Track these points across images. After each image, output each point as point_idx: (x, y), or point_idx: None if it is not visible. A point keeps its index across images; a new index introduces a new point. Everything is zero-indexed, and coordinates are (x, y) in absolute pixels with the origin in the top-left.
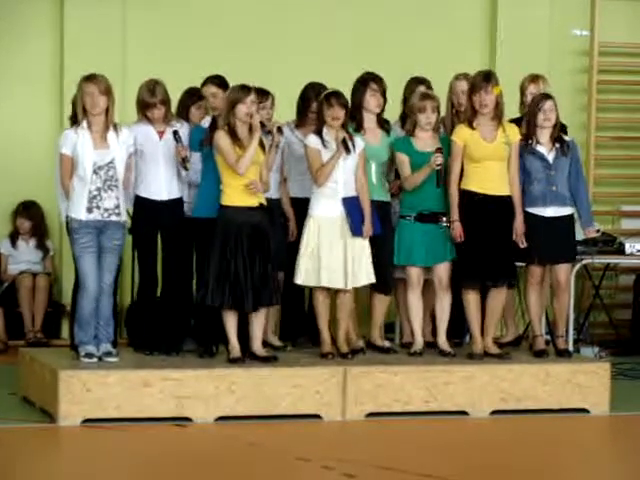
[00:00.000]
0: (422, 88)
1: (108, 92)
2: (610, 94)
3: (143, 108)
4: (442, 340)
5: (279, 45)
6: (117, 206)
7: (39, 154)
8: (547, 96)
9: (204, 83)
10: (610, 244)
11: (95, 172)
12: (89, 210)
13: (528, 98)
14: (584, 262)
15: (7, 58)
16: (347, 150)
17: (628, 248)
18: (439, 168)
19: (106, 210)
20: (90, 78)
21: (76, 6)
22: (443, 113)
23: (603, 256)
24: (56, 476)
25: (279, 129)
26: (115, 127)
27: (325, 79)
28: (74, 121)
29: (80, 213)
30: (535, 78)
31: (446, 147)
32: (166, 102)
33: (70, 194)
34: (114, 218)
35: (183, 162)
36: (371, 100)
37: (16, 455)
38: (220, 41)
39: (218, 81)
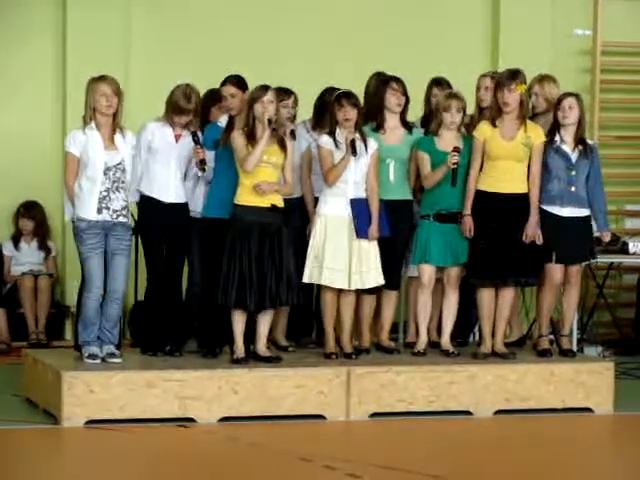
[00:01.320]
0: (436, 89)
1: (120, 93)
2: (613, 93)
3: (175, 112)
4: (445, 340)
5: (282, 47)
6: (124, 207)
7: (41, 155)
8: (569, 94)
9: (223, 83)
10: (614, 243)
11: (105, 173)
12: (99, 211)
13: (533, 99)
14: (587, 262)
15: (10, 60)
16: (354, 152)
17: (632, 247)
18: (455, 167)
19: (115, 211)
20: (103, 78)
21: (79, 8)
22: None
23: (607, 255)
24: (60, 477)
25: (292, 133)
26: (121, 129)
27: (326, 79)
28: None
29: (90, 213)
30: (541, 79)
31: (468, 147)
32: (197, 111)
33: (78, 194)
34: (122, 219)
35: (201, 164)
36: (392, 99)
37: (20, 456)
38: (223, 43)
39: (237, 81)
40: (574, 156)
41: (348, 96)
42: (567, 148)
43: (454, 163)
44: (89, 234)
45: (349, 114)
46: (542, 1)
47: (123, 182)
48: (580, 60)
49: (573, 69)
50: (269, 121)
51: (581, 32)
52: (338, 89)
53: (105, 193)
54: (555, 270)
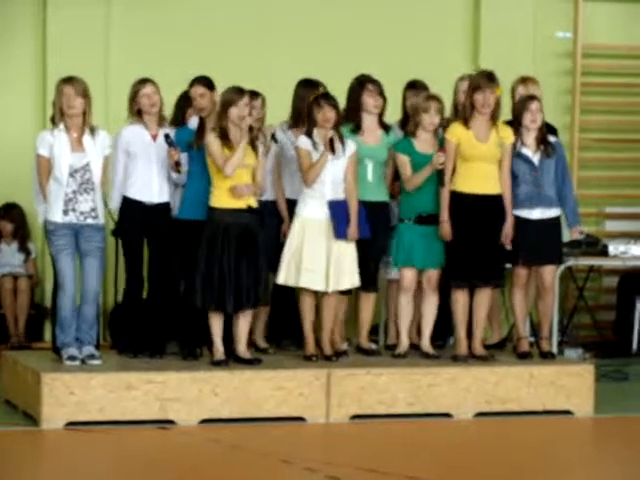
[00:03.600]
0: (411, 92)
1: (85, 94)
2: (594, 96)
3: (136, 95)
4: (426, 342)
5: (264, 45)
6: (93, 209)
7: (20, 156)
8: (533, 97)
9: (191, 84)
10: (594, 246)
11: (71, 175)
12: (65, 212)
13: (516, 100)
14: (568, 264)
15: None
16: (332, 150)
17: (612, 250)
18: (442, 167)
19: (82, 213)
20: (67, 80)
21: (59, 8)
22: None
23: (587, 258)
24: (39, 479)
25: (273, 136)
26: (92, 130)
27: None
28: (54, 122)
29: (56, 215)
30: (524, 80)
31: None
32: (160, 101)
33: (47, 196)
34: (90, 221)
35: (176, 165)
36: (369, 101)
37: None
38: (204, 43)
39: (206, 82)
40: (536, 158)
41: (327, 97)
42: (528, 151)
43: (441, 164)
44: (57, 235)
45: (328, 115)
46: (523, 4)
47: (93, 183)
48: (561, 63)
49: (554, 72)
50: (250, 128)
51: (562, 35)
52: (312, 81)
53: (72, 195)
54: (521, 272)
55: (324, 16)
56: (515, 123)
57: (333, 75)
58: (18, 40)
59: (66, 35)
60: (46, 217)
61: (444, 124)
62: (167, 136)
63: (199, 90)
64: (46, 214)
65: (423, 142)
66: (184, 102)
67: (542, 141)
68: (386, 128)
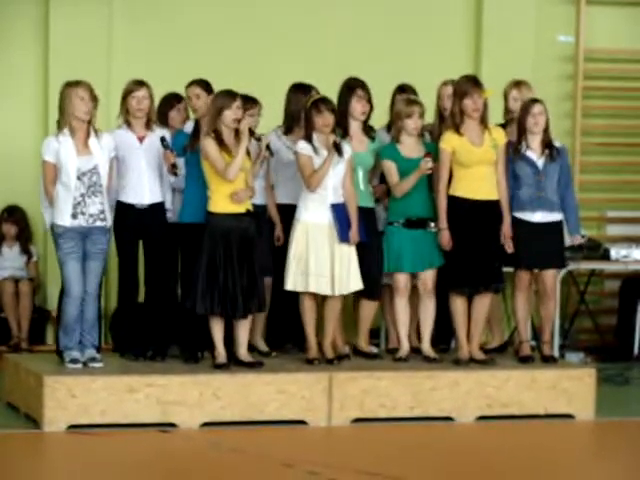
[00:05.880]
0: (404, 95)
1: (94, 97)
2: (595, 100)
3: (127, 95)
4: (426, 346)
5: (265, 56)
6: (102, 211)
7: (23, 160)
8: (536, 100)
9: (189, 85)
10: (595, 250)
11: (79, 178)
12: (74, 216)
13: (510, 103)
14: (569, 268)
15: None
16: (339, 153)
17: (613, 254)
18: (430, 172)
19: (91, 216)
20: (79, 84)
21: (61, 17)
22: (430, 120)
23: (588, 262)
24: None
25: (268, 147)
26: (96, 132)
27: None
28: (60, 126)
29: (65, 219)
30: (517, 84)
31: (432, 152)
32: (152, 101)
33: (54, 200)
34: (99, 224)
35: (172, 168)
36: (357, 106)
37: (0, 461)
38: (205, 51)
39: (203, 84)
40: (541, 162)
41: (326, 102)
42: (533, 154)
43: (429, 169)
44: (65, 239)
45: (328, 120)
46: (525, 8)
47: (100, 186)
48: (563, 67)
49: (556, 76)
50: (250, 131)
51: (564, 39)
52: (305, 85)
53: (80, 198)
54: (523, 275)
55: (323, 24)
56: (520, 126)
57: (332, 82)
58: (21, 49)
59: (68, 45)
60: (54, 221)
61: (429, 129)
62: (163, 139)
63: (195, 90)
64: (54, 218)
65: (407, 147)
66: (166, 105)
67: (547, 145)
68: (371, 135)
